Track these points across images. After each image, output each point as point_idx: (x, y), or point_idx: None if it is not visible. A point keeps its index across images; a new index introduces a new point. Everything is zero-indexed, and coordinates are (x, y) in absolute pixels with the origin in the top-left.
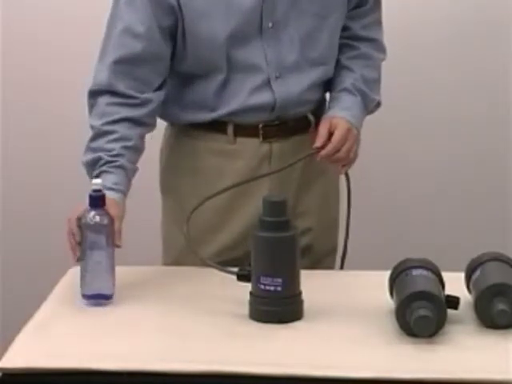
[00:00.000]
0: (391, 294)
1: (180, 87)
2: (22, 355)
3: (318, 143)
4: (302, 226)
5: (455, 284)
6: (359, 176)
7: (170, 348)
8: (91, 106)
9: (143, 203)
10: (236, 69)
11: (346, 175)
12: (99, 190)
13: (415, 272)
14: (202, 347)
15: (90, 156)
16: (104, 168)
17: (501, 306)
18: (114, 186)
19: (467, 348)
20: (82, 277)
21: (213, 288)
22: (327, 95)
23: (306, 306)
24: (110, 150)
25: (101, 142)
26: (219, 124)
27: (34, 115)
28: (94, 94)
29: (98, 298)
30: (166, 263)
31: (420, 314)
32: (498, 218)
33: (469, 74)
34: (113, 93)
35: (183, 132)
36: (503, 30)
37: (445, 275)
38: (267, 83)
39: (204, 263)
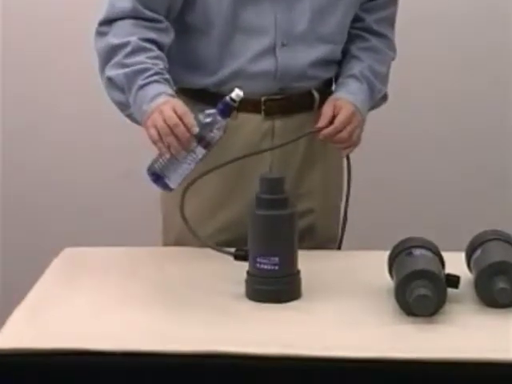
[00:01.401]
0: (391, 273)
1: (183, 44)
2: (15, 336)
3: (321, 123)
4: (304, 207)
5: (456, 263)
6: (358, 155)
7: (166, 328)
8: (103, 34)
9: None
10: (242, 29)
11: (347, 158)
12: (235, 101)
13: (415, 251)
14: (199, 327)
15: (133, 68)
16: (156, 78)
17: (501, 284)
18: (174, 94)
19: (467, 327)
20: (168, 159)
21: (210, 268)
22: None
23: (304, 285)
24: (155, 64)
25: (141, 58)
26: (221, 97)
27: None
28: (111, 21)
29: (159, 183)
30: (167, 243)
31: (420, 293)
32: (499, 196)
33: (470, 54)
34: (137, 18)
35: (185, 105)
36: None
37: (445, 255)
38: (272, 49)
39: (202, 243)
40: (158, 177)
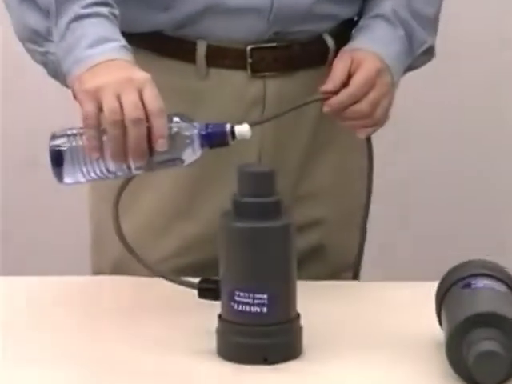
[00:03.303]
0: (439, 317)
1: None
2: None
3: (330, 86)
4: (308, 217)
5: None
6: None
7: None
8: None
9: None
10: None
11: (368, 144)
12: (233, 138)
13: (477, 283)
14: None
15: None
16: (103, 10)
17: None
18: (126, 46)
19: None
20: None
21: (164, 309)
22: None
23: (306, 336)
24: None
25: None
26: (184, 44)
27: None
28: None
29: (56, 167)
30: (100, 269)
31: (484, 348)
32: None
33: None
34: None
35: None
36: None
37: None
38: None
39: (150, 271)
40: (59, 159)
